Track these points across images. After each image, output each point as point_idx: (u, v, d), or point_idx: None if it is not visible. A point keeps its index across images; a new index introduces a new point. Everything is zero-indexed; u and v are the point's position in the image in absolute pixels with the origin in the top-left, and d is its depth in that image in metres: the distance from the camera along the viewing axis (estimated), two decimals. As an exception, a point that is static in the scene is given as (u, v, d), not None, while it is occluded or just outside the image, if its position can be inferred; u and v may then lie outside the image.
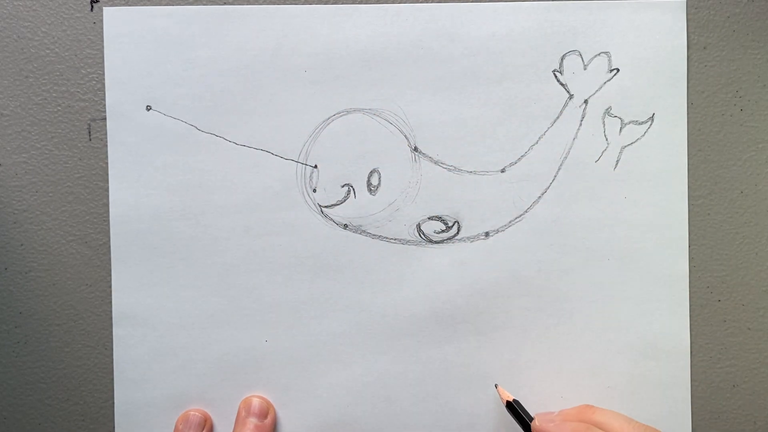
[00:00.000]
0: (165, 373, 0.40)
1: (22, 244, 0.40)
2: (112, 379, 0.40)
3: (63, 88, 0.40)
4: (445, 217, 0.41)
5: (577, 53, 0.41)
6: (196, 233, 0.40)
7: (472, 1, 0.40)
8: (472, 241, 0.41)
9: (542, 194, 0.41)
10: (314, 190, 0.40)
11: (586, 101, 0.41)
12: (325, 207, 0.40)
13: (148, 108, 0.40)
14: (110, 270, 0.40)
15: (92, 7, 0.40)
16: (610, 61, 0.41)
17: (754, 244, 0.42)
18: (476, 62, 0.40)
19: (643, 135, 0.41)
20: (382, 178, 0.40)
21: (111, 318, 0.40)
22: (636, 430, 0.36)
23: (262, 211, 0.40)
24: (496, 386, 0.41)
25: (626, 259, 0.41)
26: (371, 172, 0.40)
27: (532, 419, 0.38)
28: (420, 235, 0.41)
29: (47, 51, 0.40)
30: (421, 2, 0.40)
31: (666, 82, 0.41)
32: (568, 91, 0.41)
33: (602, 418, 0.37)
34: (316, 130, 0.40)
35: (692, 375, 0.41)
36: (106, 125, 0.40)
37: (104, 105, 0.40)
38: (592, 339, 0.41)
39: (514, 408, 0.39)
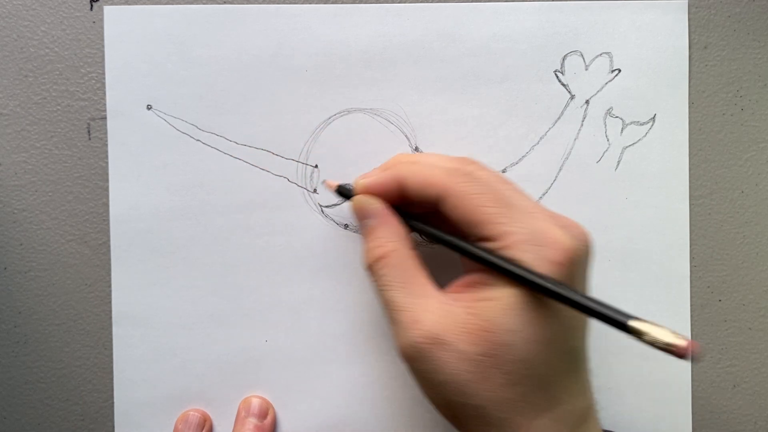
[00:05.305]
0: (165, 373, 0.40)
1: (21, 244, 0.40)
2: (112, 379, 0.40)
3: (63, 88, 0.40)
4: (445, 218, 0.41)
5: (578, 54, 0.41)
6: (196, 233, 0.40)
7: (473, 1, 0.40)
8: (472, 242, 0.41)
9: (543, 195, 0.41)
10: (315, 190, 0.40)
11: (587, 102, 0.41)
12: (326, 207, 0.40)
13: (149, 107, 0.40)
14: (110, 270, 0.40)
15: (92, 6, 0.40)
16: (611, 61, 0.41)
17: (755, 243, 0.42)
18: (477, 62, 0.40)
19: (645, 135, 0.41)
20: (382, 178, 0.40)
21: (111, 318, 0.40)
22: (452, 158, 0.35)
23: (262, 211, 0.40)
24: (323, 182, 0.40)
25: (627, 259, 0.41)
26: (372, 172, 0.40)
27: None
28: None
29: (47, 50, 0.40)
30: (423, 2, 0.40)
31: (667, 82, 0.41)
32: (569, 92, 0.41)
33: (418, 157, 0.36)
34: (317, 130, 0.40)
35: (692, 375, 0.41)
36: (105, 124, 0.40)
37: (104, 104, 0.40)
38: (593, 339, 0.41)
39: (343, 192, 0.38)
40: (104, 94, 0.40)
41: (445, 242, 0.34)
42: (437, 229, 0.34)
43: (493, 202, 0.31)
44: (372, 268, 0.34)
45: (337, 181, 0.38)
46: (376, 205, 0.35)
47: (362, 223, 0.36)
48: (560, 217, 0.33)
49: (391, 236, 0.34)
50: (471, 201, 0.32)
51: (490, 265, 0.31)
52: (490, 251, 0.31)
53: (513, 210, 0.31)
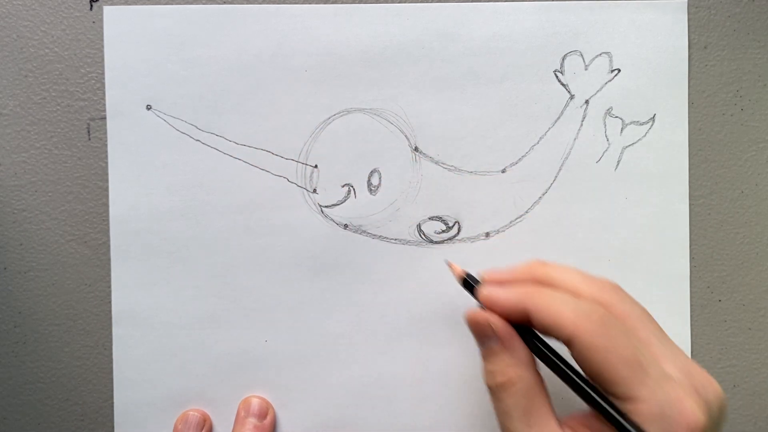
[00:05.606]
0: (164, 373, 0.40)
1: (21, 244, 0.40)
2: (112, 379, 0.40)
3: (62, 88, 0.40)
4: (445, 218, 0.41)
5: (578, 53, 0.41)
6: (196, 233, 0.40)
7: (473, 1, 0.40)
8: (472, 242, 0.41)
9: (543, 195, 0.41)
10: (314, 190, 0.40)
11: (587, 101, 0.41)
12: (326, 207, 0.40)
13: (148, 107, 0.40)
14: (110, 270, 0.40)
15: (92, 6, 0.40)
16: (611, 61, 0.41)
17: (754, 243, 0.42)
18: (477, 62, 0.40)
19: (644, 135, 0.41)
20: (382, 178, 0.40)
21: (110, 318, 0.40)
22: (591, 283, 0.32)
23: (262, 211, 0.40)
24: (447, 262, 0.38)
25: (627, 259, 0.41)
26: (371, 172, 0.40)
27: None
28: (420, 235, 0.41)
29: (46, 50, 0.40)
30: (423, 2, 0.40)
31: (667, 82, 0.41)
32: (569, 92, 0.41)
33: (555, 273, 0.33)
34: (317, 130, 0.40)
35: (692, 375, 0.41)
36: (105, 125, 0.40)
37: (104, 104, 0.40)
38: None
39: (469, 284, 0.35)
40: (104, 94, 0.40)
41: (570, 383, 0.31)
42: (564, 362, 0.31)
43: (625, 363, 0.29)
44: (493, 391, 0.32)
45: (462, 269, 0.36)
46: (499, 327, 0.32)
47: (482, 341, 0.33)
48: (697, 373, 0.31)
49: (514, 362, 0.32)
50: (601, 356, 0.29)
51: (616, 425, 0.29)
52: (619, 411, 0.29)
53: (646, 374, 0.29)
